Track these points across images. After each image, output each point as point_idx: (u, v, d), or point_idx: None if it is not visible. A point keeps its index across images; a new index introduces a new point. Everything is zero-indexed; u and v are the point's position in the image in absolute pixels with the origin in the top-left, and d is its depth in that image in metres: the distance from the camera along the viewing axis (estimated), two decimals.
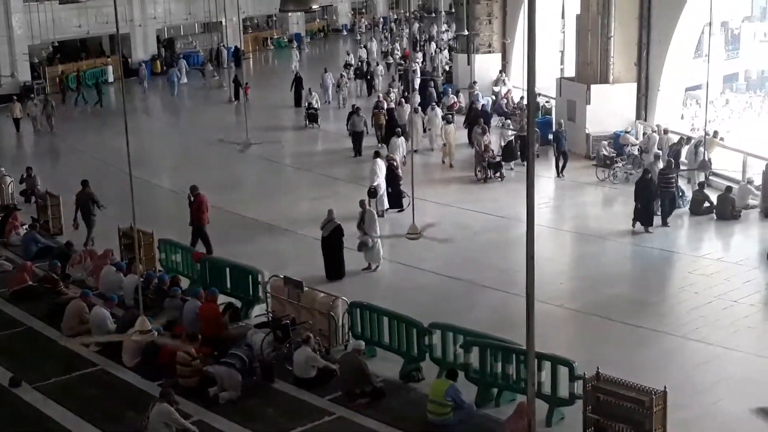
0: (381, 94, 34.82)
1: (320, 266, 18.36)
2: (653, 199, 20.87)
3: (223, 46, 52.36)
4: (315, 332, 14.45)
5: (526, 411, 9.28)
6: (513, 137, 26.90)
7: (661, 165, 22.20)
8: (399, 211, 22.46)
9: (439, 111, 30.33)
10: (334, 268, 18.32)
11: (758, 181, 21.82)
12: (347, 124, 30.14)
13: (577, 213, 23.52)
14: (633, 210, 20.84)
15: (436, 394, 12.24)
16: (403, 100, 31.95)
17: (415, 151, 27.93)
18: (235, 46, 44.27)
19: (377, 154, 23.77)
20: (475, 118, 28.62)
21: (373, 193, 22.49)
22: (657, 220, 20.98)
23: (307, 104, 34.83)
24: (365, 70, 42.58)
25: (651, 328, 15.50)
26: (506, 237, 20.56)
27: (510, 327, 13.33)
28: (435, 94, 34.42)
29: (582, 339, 15.66)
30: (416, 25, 59.49)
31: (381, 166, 23.03)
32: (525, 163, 25.60)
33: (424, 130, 29.75)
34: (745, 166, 23.13)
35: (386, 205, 22.76)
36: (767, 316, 16.31)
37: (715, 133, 25.14)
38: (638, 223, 20.72)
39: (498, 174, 25.60)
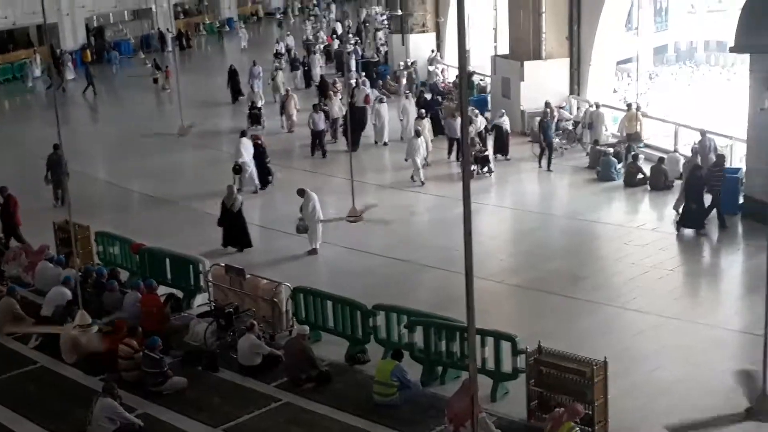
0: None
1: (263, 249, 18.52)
2: (703, 198, 18.65)
3: (167, 29, 50.39)
4: (259, 319, 14.42)
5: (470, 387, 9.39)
6: (483, 128, 25.20)
7: (713, 157, 20.02)
8: (263, 188, 23.13)
9: (412, 99, 28.72)
10: (243, 238, 19.13)
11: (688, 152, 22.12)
12: (308, 122, 26.88)
13: (515, 189, 23.67)
14: (682, 212, 18.74)
15: (382, 375, 12.31)
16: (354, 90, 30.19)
17: (385, 143, 27.44)
18: (179, 30, 43.26)
19: (243, 133, 24.36)
20: (426, 105, 28.10)
21: (237, 169, 22.87)
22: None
23: (250, 103, 31.15)
24: (302, 60, 40.18)
25: (589, 300, 15.75)
26: (445, 216, 20.64)
27: (452, 305, 13.46)
28: (416, 81, 33.62)
29: (523, 313, 15.87)
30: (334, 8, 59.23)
31: (245, 144, 23.51)
32: (506, 156, 24.57)
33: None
34: (677, 136, 23.59)
35: (257, 182, 23.16)
36: (701, 284, 16.68)
37: (631, 105, 25.17)
38: (683, 228, 18.57)
39: (486, 169, 23.36)
